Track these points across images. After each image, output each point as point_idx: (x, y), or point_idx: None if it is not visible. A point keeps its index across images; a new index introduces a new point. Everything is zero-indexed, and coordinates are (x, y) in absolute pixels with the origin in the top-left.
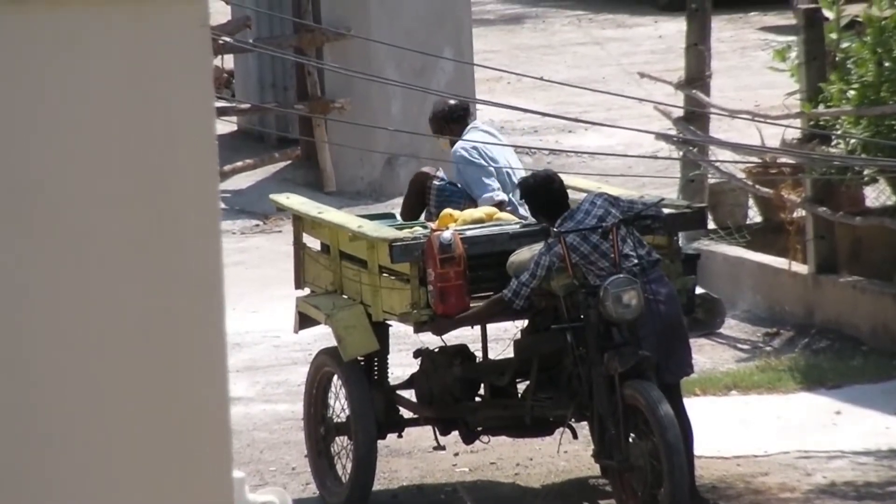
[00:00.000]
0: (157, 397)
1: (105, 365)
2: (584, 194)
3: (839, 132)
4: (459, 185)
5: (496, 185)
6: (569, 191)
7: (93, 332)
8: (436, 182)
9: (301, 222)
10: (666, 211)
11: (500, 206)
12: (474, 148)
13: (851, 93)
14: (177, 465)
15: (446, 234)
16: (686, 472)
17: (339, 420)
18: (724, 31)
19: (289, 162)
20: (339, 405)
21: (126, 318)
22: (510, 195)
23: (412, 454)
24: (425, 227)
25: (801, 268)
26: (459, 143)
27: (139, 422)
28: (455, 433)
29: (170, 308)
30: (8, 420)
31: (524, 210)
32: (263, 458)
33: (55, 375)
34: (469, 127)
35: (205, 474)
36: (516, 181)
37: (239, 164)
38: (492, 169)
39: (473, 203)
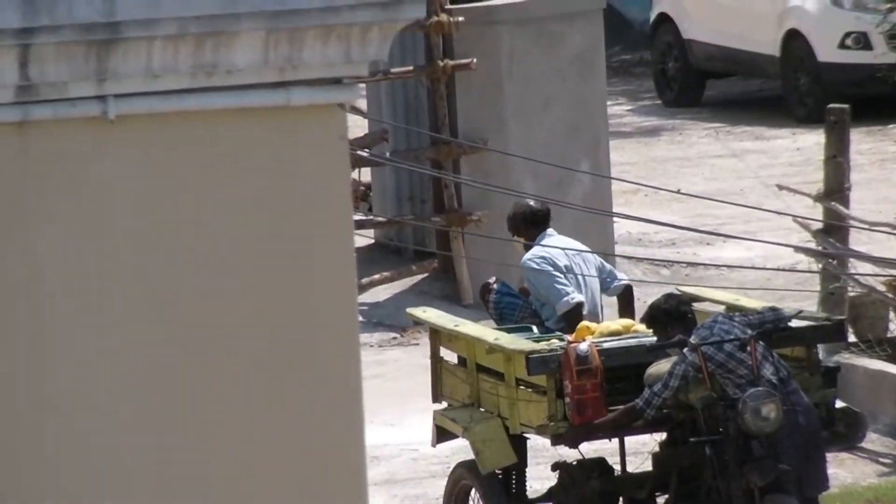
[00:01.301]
0: None
1: (251, 481)
2: (718, 307)
3: None
4: (517, 297)
5: (570, 288)
6: (706, 303)
7: (237, 450)
8: (493, 296)
9: (438, 335)
10: (804, 323)
11: (579, 307)
12: (541, 257)
13: None
14: None
15: (583, 346)
16: None
17: None
18: (863, 143)
19: (426, 275)
20: None
21: (270, 434)
22: (588, 301)
23: None
24: (562, 340)
25: None
26: (527, 255)
27: None
28: None
29: (311, 422)
30: None
31: (601, 313)
32: None
33: (201, 493)
34: (545, 234)
35: None
36: (595, 289)
37: (376, 276)
38: (560, 275)
39: (533, 315)
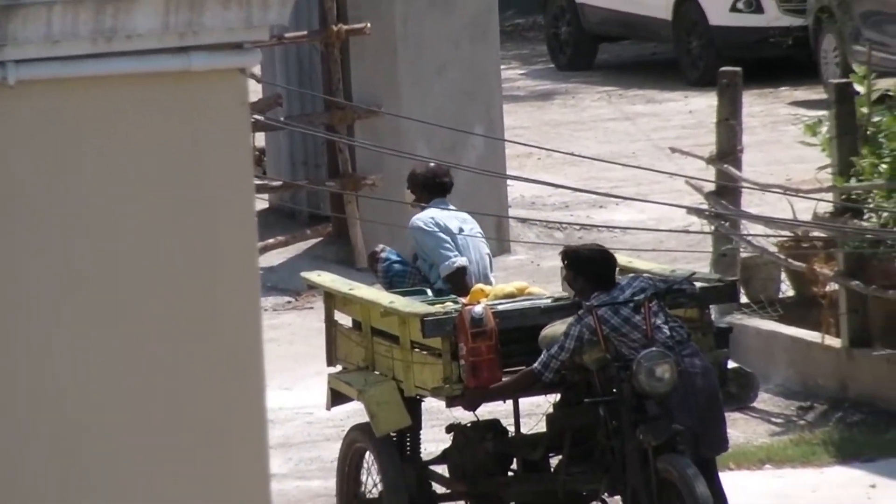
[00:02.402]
0: (199, 475)
1: (148, 444)
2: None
3: (871, 206)
4: (407, 264)
5: (453, 252)
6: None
7: (135, 412)
8: (381, 264)
9: (332, 299)
10: (697, 285)
11: (462, 271)
12: (431, 218)
13: (883, 166)
14: None
15: (478, 309)
16: None
17: (371, 496)
18: (755, 105)
19: (320, 239)
20: (371, 481)
21: (168, 397)
22: (473, 265)
23: None
24: (457, 302)
25: (834, 341)
26: (416, 216)
27: (183, 498)
28: None
29: (212, 384)
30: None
31: (493, 278)
32: None
33: (99, 457)
34: (435, 201)
35: None
36: (484, 255)
37: (271, 241)
38: (448, 237)
39: (423, 281)
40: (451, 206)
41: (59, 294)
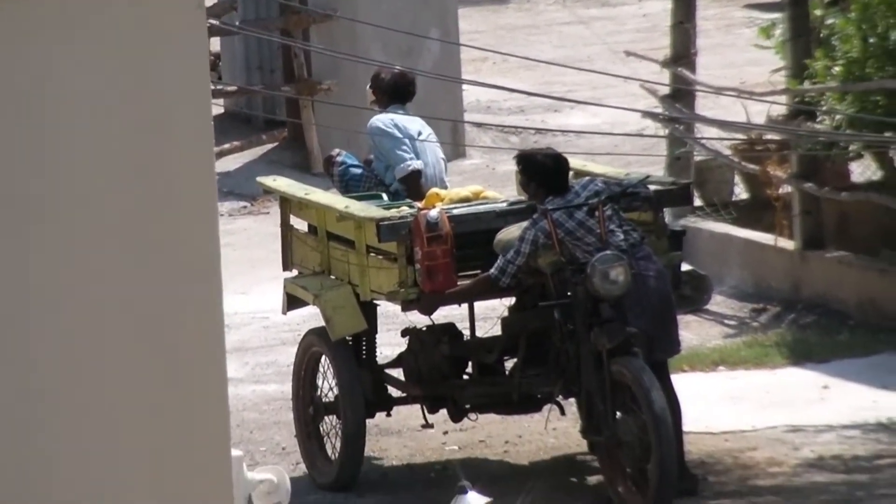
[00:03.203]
0: (157, 379)
1: (105, 348)
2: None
3: (825, 108)
4: (362, 168)
5: (410, 155)
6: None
7: (92, 316)
8: (337, 168)
9: (288, 204)
10: (652, 187)
11: (417, 174)
12: (391, 119)
13: (837, 69)
14: (177, 444)
15: (433, 213)
16: (674, 444)
17: (327, 400)
18: (709, 9)
19: (276, 144)
20: (327, 385)
21: (124, 301)
22: (430, 168)
23: (401, 433)
24: (412, 207)
25: (787, 243)
26: (376, 116)
27: (140, 403)
28: (443, 411)
29: (168, 289)
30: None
31: (448, 183)
32: (254, 439)
33: (57, 359)
34: (391, 107)
35: (204, 453)
36: (440, 160)
37: (226, 146)
38: (406, 140)
39: (378, 185)
40: (410, 113)
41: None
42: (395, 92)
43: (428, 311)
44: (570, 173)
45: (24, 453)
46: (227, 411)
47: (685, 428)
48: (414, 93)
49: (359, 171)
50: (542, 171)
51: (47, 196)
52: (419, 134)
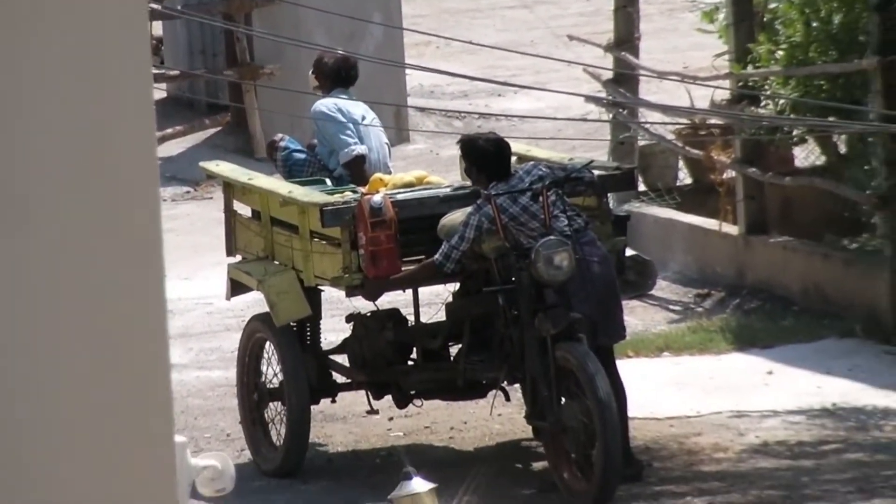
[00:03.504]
0: (99, 364)
1: (46, 332)
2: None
3: (768, 93)
4: (306, 153)
5: (354, 139)
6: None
7: (31, 299)
8: (280, 153)
9: (231, 189)
10: (595, 172)
11: (361, 159)
12: (335, 104)
13: (780, 53)
14: (119, 431)
15: (377, 198)
16: (619, 429)
17: (272, 386)
18: None
19: (219, 128)
20: (271, 371)
21: (65, 286)
22: (374, 153)
23: (346, 419)
24: (355, 192)
25: (731, 229)
26: (320, 101)
27: (81, 389)
28: (388, 397)
29: (110, 274)
30: None
31: (392, 168)
32: (198, 425)
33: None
34: (334, 91)
35: (147, 440)
36: (384, 145)
37: (169, 130)
38: (349, 125)
39: (322, 170)
40: (354, 98)
41: None
42: (338, 76)
43: (372, 297)
44: (514, 158)
45: None
46: (170, 397)
47: (630, 413)
48: (356, 77)
49: (302, 156)
50: (484, 156)
51: None
52: (363, 118)
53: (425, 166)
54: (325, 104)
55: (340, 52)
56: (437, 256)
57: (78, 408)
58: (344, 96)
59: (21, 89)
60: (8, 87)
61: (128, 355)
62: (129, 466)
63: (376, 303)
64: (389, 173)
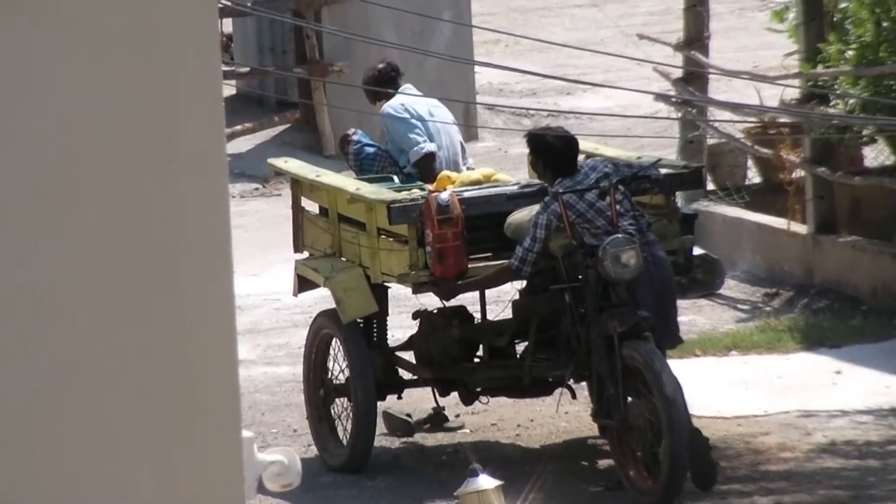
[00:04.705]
0: (168, 360)
1: (115, 329)
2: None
3: (838, 92)
4: (377, 147)
5: (423, 137)
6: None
7: (100, 296)
8: (352, 146)
9: (299, 186)
10: (663, 171)
11: (430, 157)
12: (401, 104)
13: (850, 53)
14: (187, 426)
15: (444, 196)
16: (686, 427)
17: (338, 382)
18: None
19: (288, 125)
20: (338, 367)
21: (135, 283)
22: (443, 151)
23: (409, 416)
24: (423, 189)
25: (800, 228)
26: (387, 103)
27: (150, 384)
28: (455, 394)
29: (179, 271)
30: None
31: (464, 166)
32: (265, 420)
33: (65, 343)
34: (401, 89)
35: (214, 434)
36: (455, 141)
37: (238, 127)
38: (418, 123)
39: (393, 164)
40: (413, 88)
41: (10, 192)
42: (382, 79)
43: (446, 297)
44: (582, 156)
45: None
46: (238, 393)
47: (697, 412)
48: (396, 67)
49: (373, 149)
50: (552, 152)
51: (54, 181)
52: (429, 114)
53: (493, 164)
54: (392, 105)
55: (381, 64)
56: (513, 261)
57: (146, 403)
58: (410, 92)
59: (90, 86)
60: (77, 84)
61: (196, 351)
62: (197, 462)
63: (443, 300)
64: (461, 171)
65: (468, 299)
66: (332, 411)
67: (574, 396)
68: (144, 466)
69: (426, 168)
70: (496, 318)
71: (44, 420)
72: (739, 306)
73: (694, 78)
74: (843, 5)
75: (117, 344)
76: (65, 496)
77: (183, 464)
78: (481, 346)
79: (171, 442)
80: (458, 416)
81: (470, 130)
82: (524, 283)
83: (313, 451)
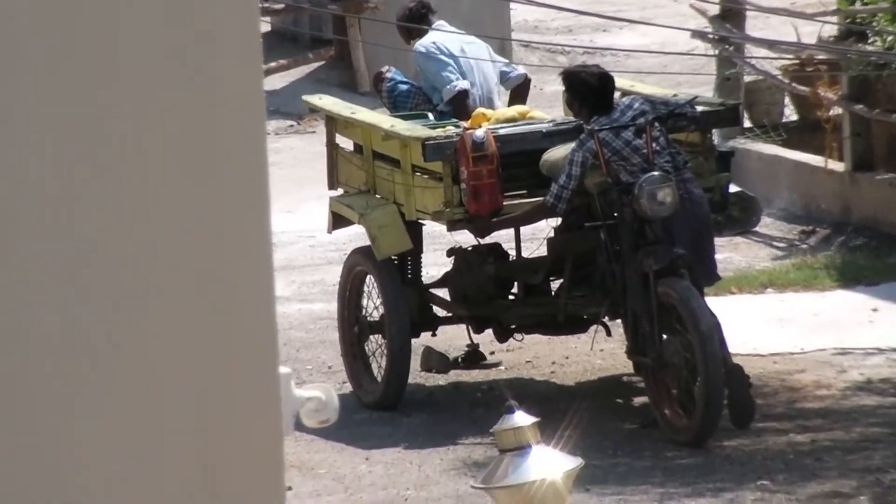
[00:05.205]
0: (205, 296)
1: (152, 266)
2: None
3: (876, 29)
4: (411, 84)
5: (456, 75)
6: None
7: (139, 234)
8: (386, 83)
9: (334, 123)
10: (700, 108)
11: (463, 94)
12: (433, 43)
13: None
14: (224, 362)
15: (479, 133)
16: (720, 363)
17: (372, 319)
18: None
19: (322, 62)
20: (372, 305)
21: (172, 219)
22: (477, 89)
23: (448, 353)
24: (458, 126)
25: (837, 165)
26: (418, 42)
27: (187, 318)
28: (489, 332)
29: (216, 207)
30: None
31: (499, 102)
32: (300, 357)
33: (104, 277)
34: (434, 25)
35: (251, 369)
36: (494, 74)
37: (273, 64)
38: (450, 61)
39: (427, 101)
40: (446, 24)
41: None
42: (415, 16)
43: (482, 235)
44: (618, 94)
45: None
46: (275, 329)
47: (733, 350)
48: (428, 4)
49: (407, 86)
50: (587, 89)
51: (95, 114)
52: (462, 51)
53: (529, 101)
54: (424, 44)
55: (411, 3)
56: (548, 198)
57: (182, 340)
58: (445, 29)
59: (123, 24)
60: (111, 19)
61: (233, 287)
62: (235, 397)
63: (477, 237)
64: (494, 108)
65: (503, 236)
66: (367, 348)
67: (609, 334)
68: (182, 404)
69: (460, 105)
70: (531, 256)
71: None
72: (776, 244)
73: (731, 14)
74: None
75: (154, 278)
76: (102, 433)
77: (221, 400)
78: (516, 284)
79: (209, 377)
80: (492, 353)
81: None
82: (559, 220)
83: (348, 387)
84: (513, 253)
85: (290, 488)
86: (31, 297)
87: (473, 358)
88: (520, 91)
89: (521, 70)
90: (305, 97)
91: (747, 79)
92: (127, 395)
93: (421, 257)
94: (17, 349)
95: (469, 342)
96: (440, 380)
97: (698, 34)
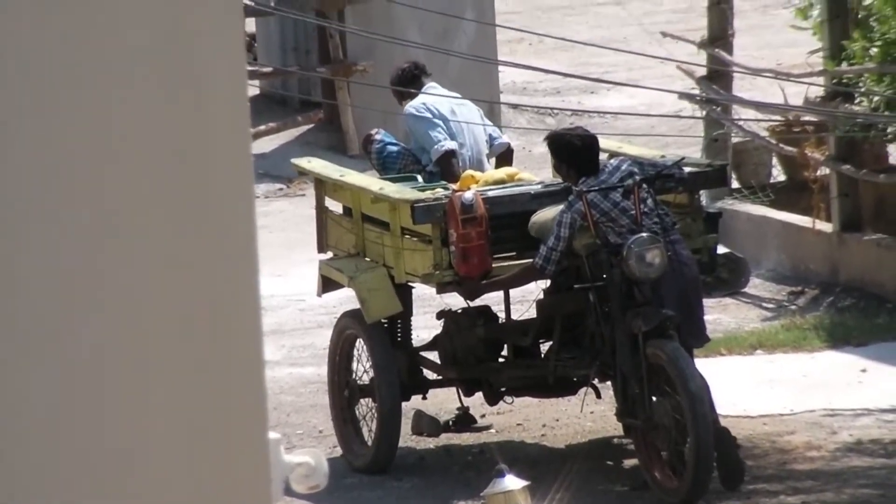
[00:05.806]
0: (193, 360)
1: (139, 329)
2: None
3: (862, 90)
4: (400, 146)
5: (443, 136)
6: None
7: (125, 296)
8: (375, 145)
9: (323, 186)
10: (687, 169)
11: (450, 154)
12: (423, 104)
13: (874, 50)
14: (213, 427)
15: (468, 195)
16: (711, 425)
17: (363, 383)
18: None
19: (311, 125)
20: (362, 368)
21: (159, 283)
22: (467, 150)
23: (438, 416)
24: (447, 189)
25: (825, 226)
26: (408, 104)
27: (175, 385)
28: (479, 394)
29: (205, 271)
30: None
31: (488, 164)
32: (290, 422)
33: (91, 343)
34: (426, 88)
35: (241, 436)
36: (480, 140)
37: (262, 127)
38: (439, 122)
39: (416, 163)
40: (437, 86)
41: (34, 190)
42: (406, 79)
43: (470, 297)
44: (605, 155)
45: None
46: (264, 394)
47: (723, 411)
48: (422, 66)
49: (396, 148)
50: (573, 151)
51: (80, 179)
52: (452, 113)
53: (517, 163)
54: (414, 105)
55: (405, 64)
56: (537, 259)
57: (171, 404)
58: (436, 91)
59: (113, 85)
60: (100, 82)
61: (222, 352)
62: (223, 463)
63: (467, 300)
64: (484, 169)
65: (493, 299)
66: (357, 412)
67: (599, 396)
68: (171, 468)
69: (447, 165)
70: (520, 318)
71: (67, 422)
72: (765, 305)
73: (718, 76)
74: (867, 2)
75: (142, 345)
76: (90, 497)
77: (210, 465)
78: (506, 346)
79: (197, 443)
80: (483, 416)
81: None
82: (548, 282)
83: (338, 452)
84: (502, 315)
85: None
86: (19, 358)
87: (464, 421)
88: (504, 157)
89: (504, 139)
90: (294, 160)
91: (735, 140)
92: (114, 467)
93: (411, 320)
94: None
95: (459, 405)
96: (431, 443)
97: (686, 95)
